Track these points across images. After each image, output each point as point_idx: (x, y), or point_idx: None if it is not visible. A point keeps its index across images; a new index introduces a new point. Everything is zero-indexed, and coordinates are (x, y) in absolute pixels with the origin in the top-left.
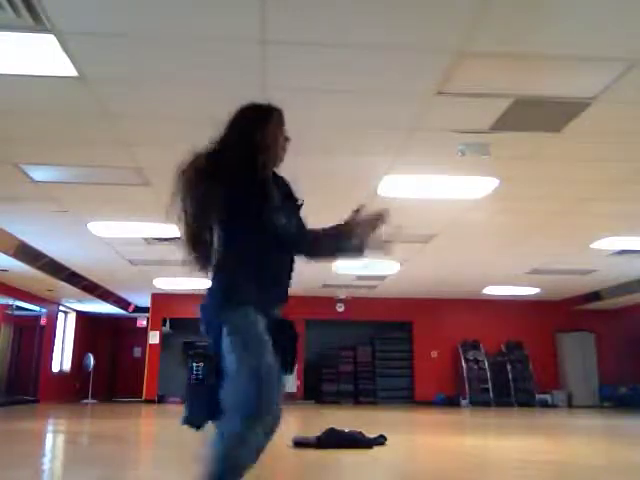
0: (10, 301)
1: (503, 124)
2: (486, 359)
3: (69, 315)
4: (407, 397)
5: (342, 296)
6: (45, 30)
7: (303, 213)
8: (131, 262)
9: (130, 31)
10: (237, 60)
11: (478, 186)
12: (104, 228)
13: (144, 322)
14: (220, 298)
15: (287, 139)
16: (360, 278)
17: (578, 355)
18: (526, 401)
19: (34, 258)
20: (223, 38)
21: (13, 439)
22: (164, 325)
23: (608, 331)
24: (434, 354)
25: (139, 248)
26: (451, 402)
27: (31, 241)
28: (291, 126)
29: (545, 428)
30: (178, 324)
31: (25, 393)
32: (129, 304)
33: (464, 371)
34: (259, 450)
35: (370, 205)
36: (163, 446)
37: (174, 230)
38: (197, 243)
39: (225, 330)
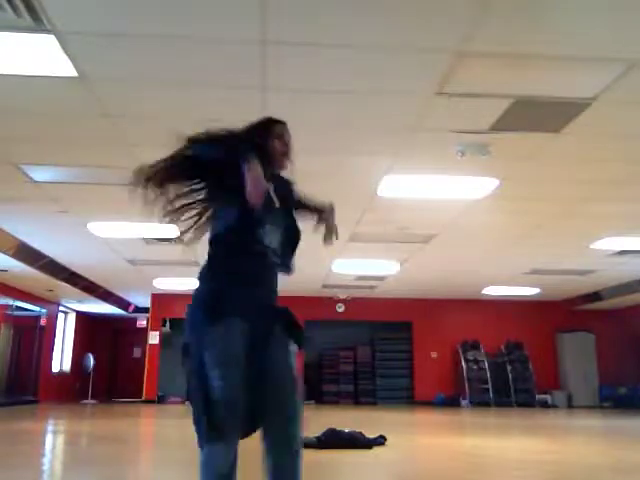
0: (10, 301)
1: (503, 124)
2: (486, 359)
3: (69, 315)
4: (407, 397)
5: (342, 296)
6: (45, 30)
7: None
8: (131, 262)
9: (130, 31)
10: (237, 60)
11: (478, 186)
12: (104, 228)
13: (144, 322)
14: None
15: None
16: (360, 278)
17: (578, 355)
18: (526, 401)
19: (34, 258)
20: (223, 38)
21: (13, 439)
22: (164, 325)
23: (608, 331)
24: (434, 354)
25: (139, 248)
26: (451, 402)
27: (31, 241)
28: (291, 126)
29: (545, 428)
30: (178, 324)
31: (25, 393)
32: (129, 304)
33: (464, 371)
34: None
35: (370, 205)
36: (163, 446)
37: (174, 230)
38: None
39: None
